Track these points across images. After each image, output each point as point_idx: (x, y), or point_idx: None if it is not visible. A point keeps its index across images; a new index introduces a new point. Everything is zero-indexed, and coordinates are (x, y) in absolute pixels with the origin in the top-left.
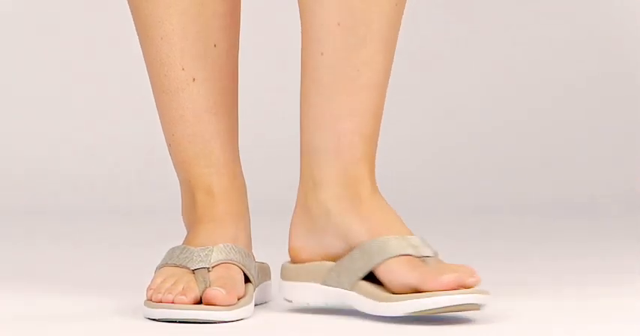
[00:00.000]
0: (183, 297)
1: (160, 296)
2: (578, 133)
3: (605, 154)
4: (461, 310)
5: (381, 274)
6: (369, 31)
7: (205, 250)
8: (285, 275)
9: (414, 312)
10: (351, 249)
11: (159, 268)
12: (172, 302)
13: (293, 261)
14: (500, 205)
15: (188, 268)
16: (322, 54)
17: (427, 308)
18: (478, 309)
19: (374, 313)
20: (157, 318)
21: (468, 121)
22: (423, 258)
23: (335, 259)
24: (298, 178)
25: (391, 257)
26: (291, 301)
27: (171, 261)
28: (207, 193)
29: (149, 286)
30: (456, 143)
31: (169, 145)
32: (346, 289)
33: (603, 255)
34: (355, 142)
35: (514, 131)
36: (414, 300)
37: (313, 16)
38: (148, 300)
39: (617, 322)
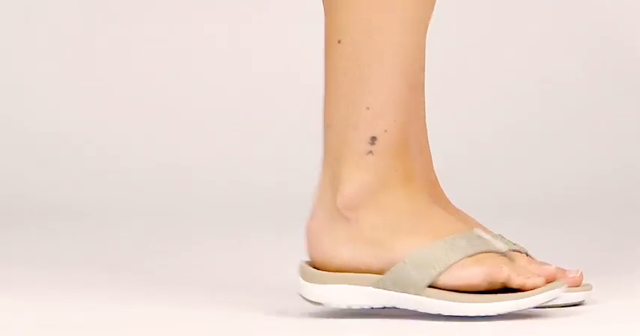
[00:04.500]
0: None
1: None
2: (575, 132)
3: (604, 153)
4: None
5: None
6: None
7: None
8: (316, 278)
9: (513, 311)
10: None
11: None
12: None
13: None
14: (497, 204)
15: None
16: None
17: (526, 307)
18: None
19: (457, 314)
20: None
21: (469, 120)
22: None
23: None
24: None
25: (468, 256)
26: (321, 304)
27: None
28: None
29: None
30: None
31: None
32: (413, 294)
33: (603, 255)
34: None
35: (509, 131)
36: (515, 300)
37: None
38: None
39: (617, 323)
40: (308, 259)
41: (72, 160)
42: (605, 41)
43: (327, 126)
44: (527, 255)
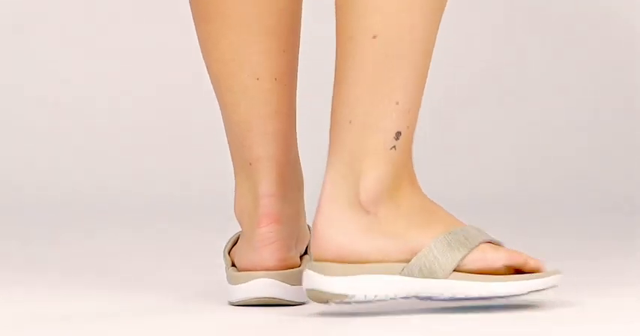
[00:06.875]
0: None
1: None
2: (573, 131)
3: (603, 152)
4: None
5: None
6: None
7: None
8: (339, 271)
9: (539, 289)
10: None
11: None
12: None
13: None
14: (505, 201)
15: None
16: None
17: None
18: None
19: (486, 294)
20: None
21: (474, 120)
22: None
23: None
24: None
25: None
26: (346, 297)
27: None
28: None
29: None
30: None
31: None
32: (441, 278)
33: (602, 255)
34: None
35: (523, 132)
36: (539, 279)
37: None
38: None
39: (617, 323)
40: (313, 259)
41: (71, 160)
42: (605, 41)
43: (345, 122)
44: None
